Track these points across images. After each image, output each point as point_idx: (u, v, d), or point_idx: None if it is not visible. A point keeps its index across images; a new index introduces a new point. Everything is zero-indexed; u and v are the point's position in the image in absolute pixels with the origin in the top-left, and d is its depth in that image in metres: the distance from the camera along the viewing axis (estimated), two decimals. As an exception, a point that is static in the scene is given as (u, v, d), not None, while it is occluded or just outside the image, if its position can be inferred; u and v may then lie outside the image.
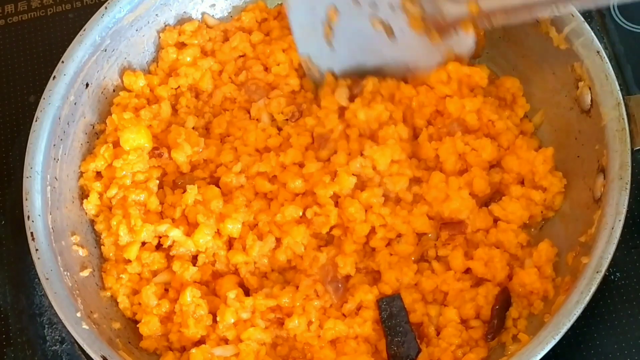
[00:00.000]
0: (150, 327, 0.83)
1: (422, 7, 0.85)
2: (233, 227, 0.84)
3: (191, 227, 0.85)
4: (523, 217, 0.84)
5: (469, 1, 0.81)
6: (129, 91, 0.95)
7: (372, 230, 0.84)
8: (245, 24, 0.99)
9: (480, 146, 0.86)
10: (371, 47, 0.90)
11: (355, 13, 0.88)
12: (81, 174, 0.90)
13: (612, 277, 0.86)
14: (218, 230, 0.85)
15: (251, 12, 0.99)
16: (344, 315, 0.82)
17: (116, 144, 0.89)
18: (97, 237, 0.90)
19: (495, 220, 0.85)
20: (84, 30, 0.91)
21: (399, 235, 0.85)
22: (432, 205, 0.85)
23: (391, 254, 0.84)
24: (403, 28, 0.87)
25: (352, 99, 0.90)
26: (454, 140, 0.86)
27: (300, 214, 0.85)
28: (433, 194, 0.85)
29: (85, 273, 0.85)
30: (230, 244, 0.86)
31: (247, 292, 0.84)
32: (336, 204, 0.85)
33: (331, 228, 0.85)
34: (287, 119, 0.93)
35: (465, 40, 0.86)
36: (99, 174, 0.90)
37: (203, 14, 1.01)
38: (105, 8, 0.92)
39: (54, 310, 0.80)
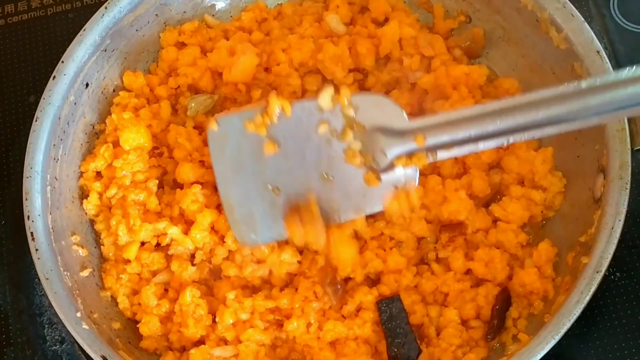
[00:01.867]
0: (150, 327, 0.83)
1: (364, 143, 0.80)
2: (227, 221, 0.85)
3: (189, 226, 0.85)
4: (523, 217, 0.84)
5: (415, 136, 0.77)
6: (129, 91, 0.95)
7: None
8: (245, 24, 0.99)
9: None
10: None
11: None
12: (81, 174, 0.90)
13: (612, 277, 0.86)
14: (213, 226, 0.85)
15: (251, 12, 0.99)
16: (343, 316, 0.82)
17: (116, 144, 0.89)
18: (97, 237, 0.90)
19: (495, 220, 0.85)
20: (84, 30, 0.91)
21: (400, 242, 0.85)
22: (430, 209, 0.85)
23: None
24: (339, 166, 0.81)
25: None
26: None
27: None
28: (430, 197, 0.85)
29: (85, 273, 0.85)
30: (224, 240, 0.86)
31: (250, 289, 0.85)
32: None
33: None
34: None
35: (410, 174, 0.80)
36: (98, 174, 0.90)
37: (203, 14, 1.01)
38: (105, 8, 0.92)
39: (54, 310, 0.80)
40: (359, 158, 0.80)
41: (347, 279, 0.84)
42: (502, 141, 0.74)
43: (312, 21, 0.97)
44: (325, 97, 0.80)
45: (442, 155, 0.77)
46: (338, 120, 0.80)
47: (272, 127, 0.81)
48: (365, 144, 0.80)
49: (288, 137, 0.81)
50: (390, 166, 0.79)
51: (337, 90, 0.80)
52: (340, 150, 0.80)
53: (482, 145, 0.75)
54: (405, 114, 0.79)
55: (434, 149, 0.77)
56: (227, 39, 0.98)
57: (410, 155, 0.78)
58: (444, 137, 0.76)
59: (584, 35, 0.83)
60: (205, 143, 0.90)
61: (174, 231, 0.85)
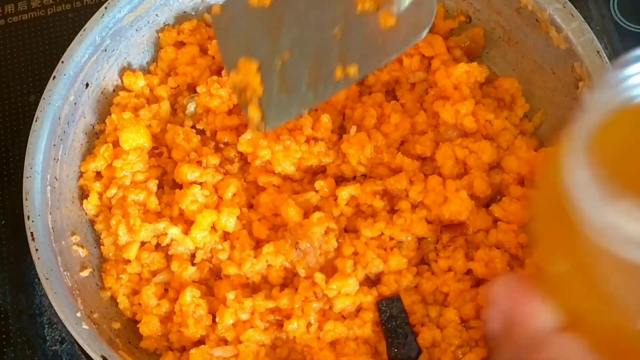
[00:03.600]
0: (150, 327, 0.83)
1: None
2: (227, 221, 0.84)
3: (188, 226, 0.85)
4: (523, 217, 0.84)
5: None
6: (129, 91, 0.95)
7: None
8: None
9: (479, 149, 0.86)
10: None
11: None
12: (81, 174, 0.90)
13: (612, 277, 0.86)
14: (213, 225, 0.85)
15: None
16: (343, 317, 0.82)
17: (116, 144, 0.89)
18: (97, 237, 0.90)
19: (496, 220, 0.85)
20: (84, 30, 0.91)
21: (400, 242, 0.85)
22: (430, 209, 0.85)
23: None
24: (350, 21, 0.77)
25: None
26: (451, 145, 0.86)
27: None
28: (431, 197, 0.85)
29: (85, 273, 0.85)
30: (225, 239, 0.86)
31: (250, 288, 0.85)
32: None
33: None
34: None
35: (425, 5, 0.75)
36: (98, 174, 0.90)
37: (203, 13, 1.01)
38: (105, 8, 0.92)
39: (54, 310, 0.80)
40: (370, 1, 0.76)
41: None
42: None
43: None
44: None
45: None
46: None
47: None
48: None
49: (295, 2, 0.77)
50: (404, 1, 0.75)
51: None
52: (351, 2, 0.76)
53: None
54: None
55: None
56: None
57: None
58: None
59: (584, 36, 0.83)
60: (203, 143, 0.90)
61: (174, 231, 0.85)
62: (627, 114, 0.33)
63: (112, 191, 0.88)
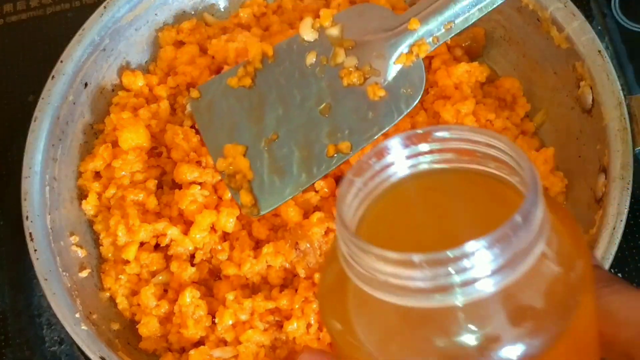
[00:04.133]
0: (149, 327, 0.83)
1: (358, 57, 0.73)
2: (226, 222, 0.84)
3: (188, 226, 0.85)
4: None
5: (408, 24, 0.71)
6: (128, 91, 0.95)
7: None
8: (244, 20, 0.99)
9: (480, 148, 0.85)
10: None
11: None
12: (80, 174, 0.90)
13: (614, 277, 0.86)
14: (213, 225, 0.85)
15: (249, 8, 0.99)
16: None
17: (115, 144, 0.89)
18: (96, 237, 0.90)
19: (496, 220, 0.85)
20: (83, 29, 0.91)
21: None
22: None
23: None
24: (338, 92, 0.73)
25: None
26: None
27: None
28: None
29: (84, 274, 0.85)
30: (224, 239, 0.86)
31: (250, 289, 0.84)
32: None
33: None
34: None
35: (414, 72, 0.73)
36: (97, 174, 0.90)
37: (202, 12, 1.00)
38: (104, 7, 0.92)
39: (53, 311, 0.79)
40: (357, 73, 0.73)
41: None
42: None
43: (312, 17, 0.96)
44: (305, 25, 0.75)
45: (442, 36, 0.72)
46: (325, 46, 0.75)
47: (257, 76, 0.75)
48: (360, 57, 0.73)
49: (278, 81, 0.75)
50: (392, 70, 0.72)
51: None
52: (336, 76, 0.74)
53: (477, 13, 0.70)
54: (391, 11, 0.74)
55: (430, 34, 0.72)
56: (227, 37, 0.97)
57: (409, 48, 0.72)
58: (438, 16, 0.70)
59: (585, 35, 0.83)
60: (202, 143, 0.90)
61: (173, 231, 0.84)
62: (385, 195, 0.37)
63: (111, 191, 0.87)
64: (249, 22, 0.99)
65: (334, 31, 0.74)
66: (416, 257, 0.31)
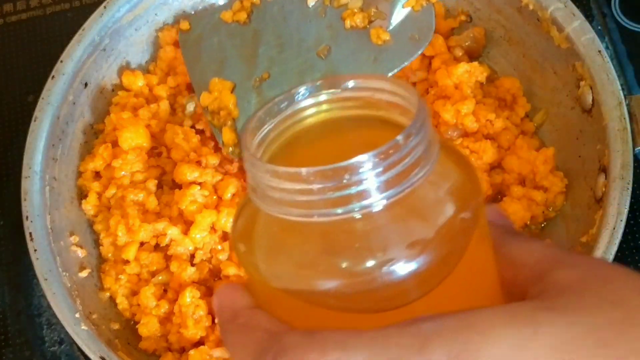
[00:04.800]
0: (149, 327, 0.83)
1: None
2: (226, 222, 0.84)
3: (188, 226, 0.85)
4: (524, 217, 0.84)
5: None
6: (128, 90, 0.95)
7: None
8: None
9: (480, 149, 0.85)
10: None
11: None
12: (80, 174, 0.90)
13: (614, 277, 0.86)
14: (213, 225, 0.85)
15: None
16: (343, 316, 0.82)
17: (115, 144, 0.89)
18: (96, 237, 0.90)
19: (496, 220, 0.85)
20: (83, 29, 0.91)
21: None
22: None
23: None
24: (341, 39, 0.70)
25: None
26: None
27: None
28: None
29: (84, 273, 0.85)
30: (224, 239, 0.86)
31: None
32: None
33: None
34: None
35: (424, 17, 0.70)
36: (97, 174, 0.90)
37: (202, 13, 1.00)
38: (104, 7, 0.92)
39: (53, 311, 0.79)
40: (361, 15, 0.70)
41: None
42: None
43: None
44: None
45: None
46: None
47: (254, 11, 0.72)
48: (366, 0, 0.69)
49: (276, 19, 0.72)
50: (400, 14, 0.70)
51: None
52: (338, 17, 0.71)
53: None
54: None
55: None
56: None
57: None
58: None
59: (585, 35, 0.83)
60: (203, 143, 0.90)
61: (173, 231, 0.84)
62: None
63: (111, 191, 0.87)
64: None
65: None
66: (304, 171, 0.33)
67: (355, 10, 0.70)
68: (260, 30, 0.71)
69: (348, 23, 0.71)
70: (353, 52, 0.70)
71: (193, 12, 0.72)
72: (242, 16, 0.72)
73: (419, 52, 0.70)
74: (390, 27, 0.71)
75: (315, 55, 0.69)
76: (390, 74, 0.69)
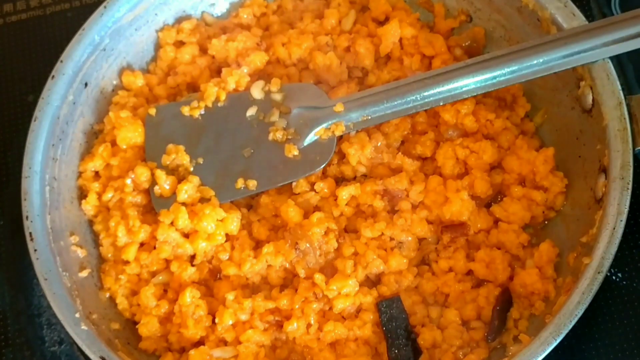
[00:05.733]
0: (149, 327, 0.83)
1: (288, 121, 0.88)
2: (231, 224, 0.84)
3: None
4: (524, 217, 0.84)
5: (334, 107, 0.86)
6: (128, 90, 0.95)
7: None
8: (244, 20, 0.99)
9: (480, 149, 0.85)
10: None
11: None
12: (80, 174, 0.90)
13: (614, 277, 0.86)
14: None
15: (249, 8, 0.99)
16: (343, 317, 0.82)
17: (114, 143, 0.89)
18: (95, 237, 0.89)
19: (496, 221, 0.85)
20: (83, 29, 0.91)
21: (401, 242, 0.85)
22: (431, 209, 0.84)
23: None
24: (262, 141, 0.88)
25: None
26: (452, 145, 0.86)
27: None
28: (432, 197, 0.84)
29: (84, 273, 0.85)
30: (227, 237, 0.86)
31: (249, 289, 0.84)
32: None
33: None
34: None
35: (327, 144, 0.87)
36: (97, 174, 0.90)
37: (202, 12, 1.00)
38: (105, 7, 0.92)
39: (53, 311, 0.79)
40: (282, 132, 0.87)
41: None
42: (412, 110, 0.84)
43: (312, 17, 0.97)
44: (257, 87, 0.90)
45: (358, 125, 0.86)
46: (267, 105, 0.89)
47: (206, 111, 0.90)
48: (289, 121, 0.88)
49: (219, 121, 0.89)
50: (310, 139, 0.87)
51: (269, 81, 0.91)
52: (266, 130, 0.88)
53: (391, 115, 0.85)
54: (326, 94, 0.89)
55: (349, 120, 0.86)
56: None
57: (329, 126, 0.87)
58: (360, 109, 0.86)
59: (585, 35, 0.83)
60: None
61: (176, 236, 0.84)
62: None
63: (108, 194, 0.87)
64: (249, 22, 0.99)
65: (278, 96, 0.90)
66: None
67: (279, 128, 0.87)
68: (206, 126, 0.89)
69: (271, 136, 0.88)
70: (268, 159, 0.87)
71: (158, 106, 0.91)
72: (196, 112, 0.89)
73: (318, 170, 0.87)
74: (302, 147, 0.87)
75: (240, 153, 0.88)
76: (289, 181, 0.87)
